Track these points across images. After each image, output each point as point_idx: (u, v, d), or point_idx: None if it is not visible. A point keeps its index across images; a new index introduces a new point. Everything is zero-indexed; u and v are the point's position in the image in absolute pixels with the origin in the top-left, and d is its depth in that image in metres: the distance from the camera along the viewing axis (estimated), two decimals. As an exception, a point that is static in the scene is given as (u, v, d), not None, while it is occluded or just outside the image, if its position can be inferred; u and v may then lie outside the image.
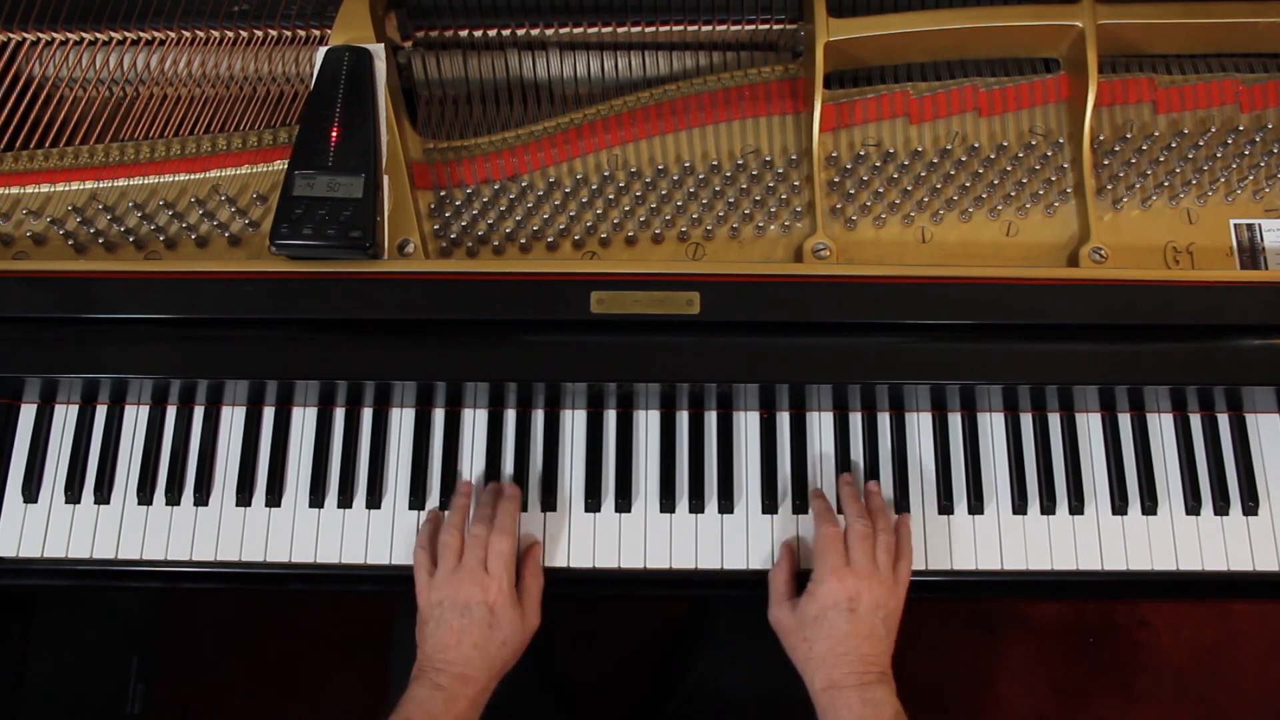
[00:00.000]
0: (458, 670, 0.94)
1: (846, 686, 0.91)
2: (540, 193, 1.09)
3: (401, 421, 1.10)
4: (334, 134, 1.02)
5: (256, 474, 1.08)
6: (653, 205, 1.09)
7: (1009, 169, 1.09)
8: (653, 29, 1.13)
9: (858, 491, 1.04)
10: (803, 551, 1.05)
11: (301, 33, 1.14)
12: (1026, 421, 1.10)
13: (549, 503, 1.07)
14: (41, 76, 1.16)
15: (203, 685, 1.83)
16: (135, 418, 1.11)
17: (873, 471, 1.08)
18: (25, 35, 1.15)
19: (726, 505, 1.07)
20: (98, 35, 1.14)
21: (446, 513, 1.05)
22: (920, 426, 1.09)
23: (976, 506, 1.06)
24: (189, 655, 1.84)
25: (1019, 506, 1.07)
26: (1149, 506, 1.07)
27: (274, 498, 1.07)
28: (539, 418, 1.10)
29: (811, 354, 1.00)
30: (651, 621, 1.84)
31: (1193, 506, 1.07)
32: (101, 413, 1.11)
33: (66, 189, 1.10)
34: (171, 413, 1.10)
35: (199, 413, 1.10)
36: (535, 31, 1.13)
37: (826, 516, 1.01)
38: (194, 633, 1.86)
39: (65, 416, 1.11)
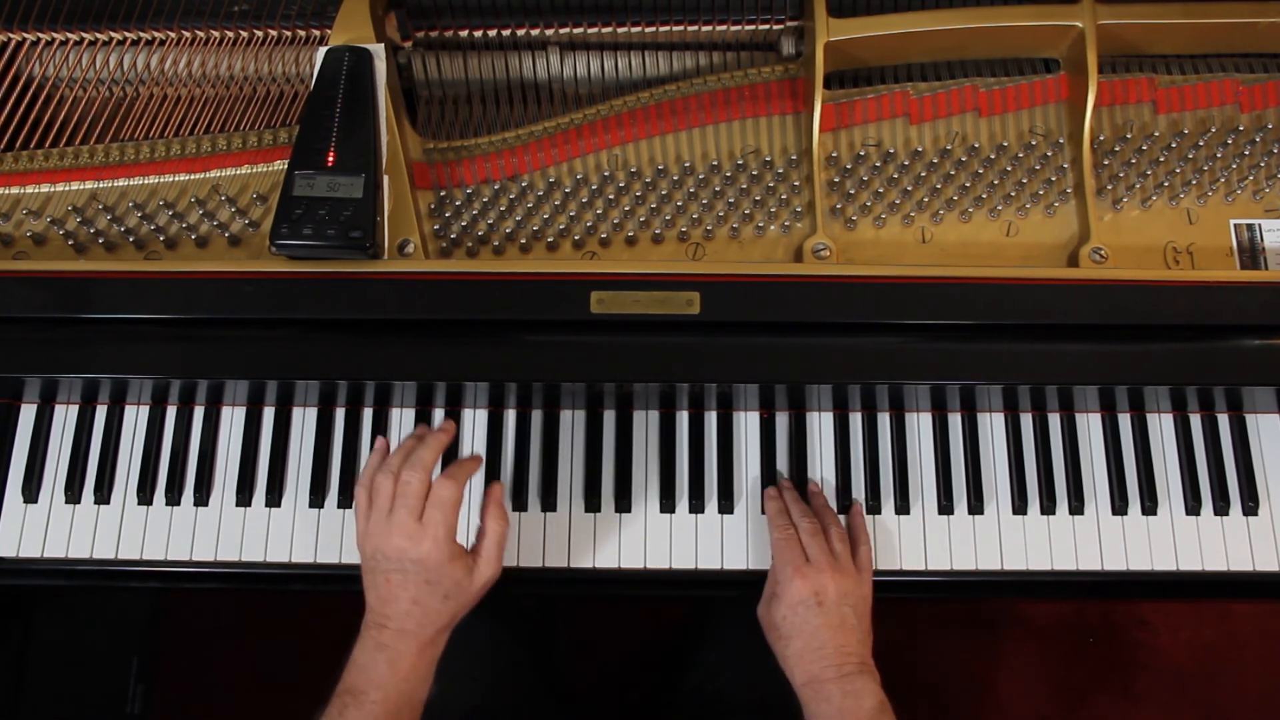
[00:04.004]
0: (397, 625, 0.89)
1: (826, 679, 0.92)
2: (540, 193, 1.09)
3: (402, 421, 1.10)
4: (334, 134, 1.02)
5: (257, 474, 1.08)
6: (653, 205, 1.09)
7: (1009, 169, 1.09)
8: (653, 29, 1.13)
9: (796, 495, 1.05)
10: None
11: (301, 33, 1.14)
12: (1026, 421, 1.10)
13: (549, 503, 1.07)
14: (41, 76, 1.16)
15: (203, 685, 1.83)
16: (135, 418, 1.11)
17: (873, 471, 1.08)
18: (25, 35, 1.15)
19: (726, 505, 1.07)
20: (98, 35, 1.14)
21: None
22: (920, 426, 1.09)
23: (976, 506, 1.06)
24: (189, 655, 1.84)
25: (1019, 507, 1.07)
26: (1149, 506, 1.07)
27: (274, 498, 1.07)
28: (538, 418, 1.10)
29: (811, 354, 1.00)
30: (651, 622, 1.84)
31: (1193, 507, 1.07)
32: (101, 413, 1.11)
33: (66, 189, 1.10)
34: (171, 413, 1.10)
35: (199, 413, 1.10)
36: (535, 31, 1.13)
37: (778, 520, 1.01)
38: (194, 633, 1.86)
39: (65, 416, 1.11)
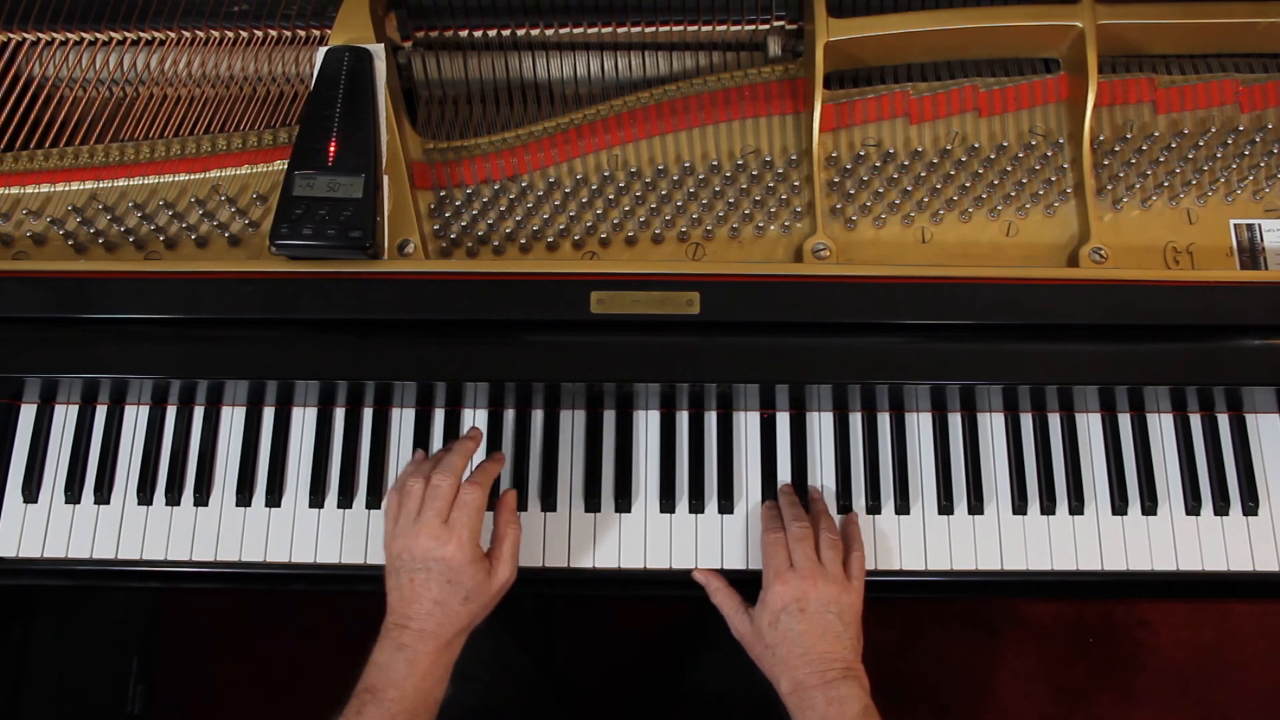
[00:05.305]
0: (418, 626, 0.91)
1: (810, 686, 0.91)
2: (540, 193, 1.09)
3: (401, 421, 1.10)
4: (334, 134, 1.02)
5: (256, 474, 1.08)
6: (653, 205, 1.09)
7: (1009, 169, 1.09)
8: (653, 29, 1.13)
9: (793, 498, 1.05)
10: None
11: (301, 33, 1.14)
12: (1026, 421, 1.10)
13: (549, 503, 1.07)
14: (41, 76, 1.16)
15: (203, 685, 1.83)
16: (135, 418, 1.11)
17: (873, 471, 1.08)
18: (25, 35, 1.15)
19: (726, 505, 1.07)
20: (98, 35, 1.14)
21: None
22: (920, 426, 1.09)
23: (976, 506, 1.06)
24: (189, 655, 1.84)
25: (1019, 507, 1.07)
26: (1149, 506, 1.07)
27: (274, 498, 1.08)
28: (539, 418, 1.10)
29: (811, 354, 1.00)
30: (652, 621, 1.84)
31: (1193, 507, 1.07)
32: (101, 413, 1.11)
33: (66, 189, 1.10)
34: (171, 413, 1.10)
35: (199, 413, 1.10)
36: (535, 31, 1.13)
37: (770, 524, 1.01)
38: (194, 633, 1.86)
39: (65, 416, 1.11)
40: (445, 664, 0.93)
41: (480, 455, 1.07)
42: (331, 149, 1.02)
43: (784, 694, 0.93)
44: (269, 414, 1.10)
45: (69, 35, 1.14)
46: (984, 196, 1.09)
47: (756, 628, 0.97)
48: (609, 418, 1.10)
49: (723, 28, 1.13)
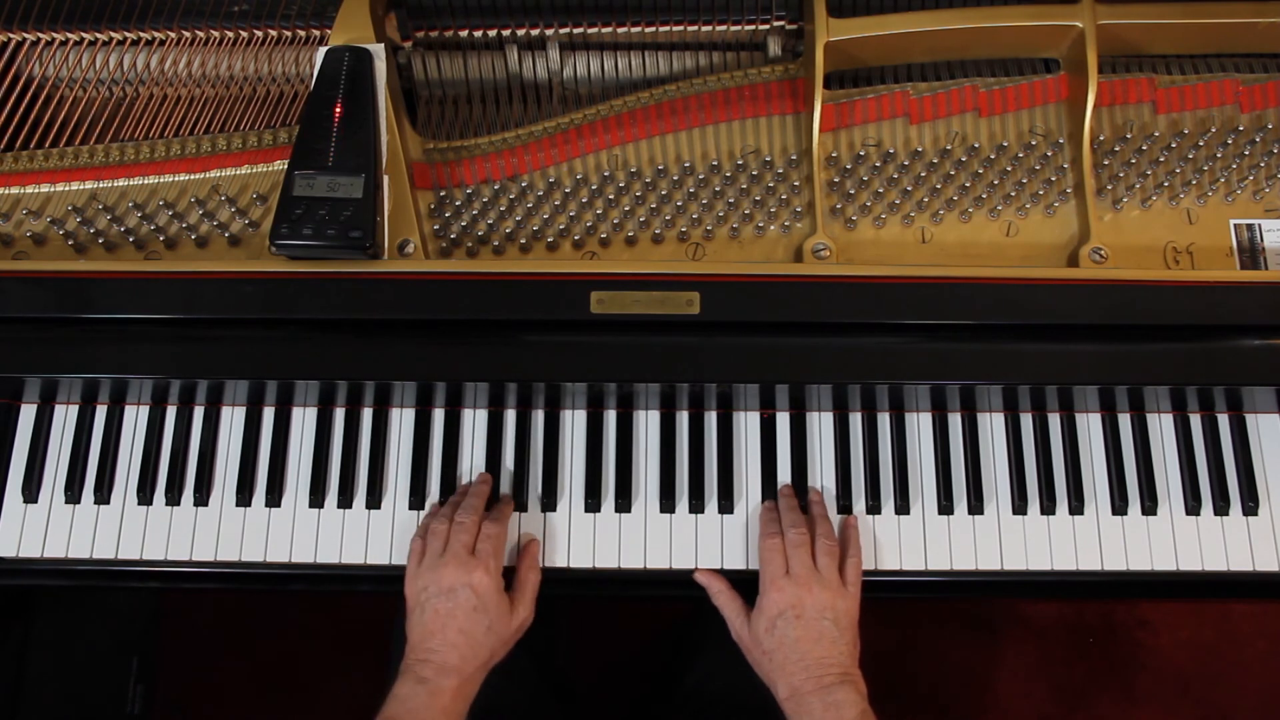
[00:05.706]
0: (440, 659, 0.93)
1: (807, 692, 0.91)
2: (540, 193, 1.09)
3: (401, 421, 1.10)
4: (334, 134, 1.02)
5: (256, 474, 1.08)
6: (653, 205, 1.09)
7: (1009, 169, 1.09)
8: (653, 29, 1.13)
9: (793, 502, 1.05)
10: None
11: (301, 33, 1.14)
12: (1026, 421, 1.10)
13: (549, 503, 1.07)
14: (41, 76, 1.16)
15: (203, 685, 1.83)
16: (135, 418, 1.11)
17: (873, 471, 1.07)
18: (25, 35, 1.15)
19: (726, 505, 1.07)
20: (98, 35, 1.14)
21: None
22: (920, 426, 1.09)
23: (976, 506, 1.06)
24: (189, 655, 1.84)
25: (1019, 507, 1.07)
26: (1149, 507, 1.07)
27: (274, 498, 1.07)
28: (539, 418, 1.10)
29: (811, 354, 1.00)
30: (652, 622, 1.84)
31: (1193, 507, 1.07)
32: (101, 413, 1.11)
33: (66, 189, 1.10)
34: (171, 413, 1.10)
35: (199, 413, 1.10)
36: (535, 31, 1.13)
37: (768, 529, 1.02)
38: (194, 633, 1.86)
39: (65, 416, 1.11)
40: (465, 699, 0.94)
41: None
42: (331, 149, 1.02)
43: (781, 700, 0.93)
44: (269, 414, 1.10)
45: (69, 35, 1.14)
46: (984, 196, 1.09)
47: (753, 634, 0.97)
48: (609, 417, 1.10)
49: (723, 28, 1.13)
